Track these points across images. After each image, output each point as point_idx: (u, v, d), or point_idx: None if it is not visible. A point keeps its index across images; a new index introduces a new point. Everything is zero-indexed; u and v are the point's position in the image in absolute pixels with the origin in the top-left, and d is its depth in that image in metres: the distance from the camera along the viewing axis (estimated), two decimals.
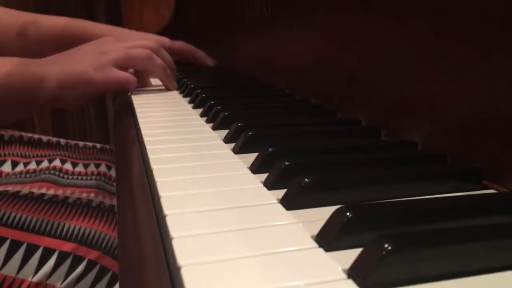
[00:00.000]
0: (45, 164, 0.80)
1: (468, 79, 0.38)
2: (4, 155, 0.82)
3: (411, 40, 0.46)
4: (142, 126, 0.55)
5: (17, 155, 0.82)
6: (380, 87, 0.51)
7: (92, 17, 2.30)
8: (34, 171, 0.79)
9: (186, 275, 0.23)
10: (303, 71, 0.71)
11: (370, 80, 0.53)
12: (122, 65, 0.70)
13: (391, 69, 0.49)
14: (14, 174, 0.78)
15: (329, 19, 0.62)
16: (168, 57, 0.80)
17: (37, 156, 0.84)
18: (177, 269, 0.24)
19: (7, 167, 0.79)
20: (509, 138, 0.35)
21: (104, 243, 0.66)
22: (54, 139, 0.91)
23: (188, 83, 0.80)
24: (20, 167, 0.79)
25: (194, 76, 0.89)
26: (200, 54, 1.07)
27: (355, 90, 0.56)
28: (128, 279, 0.29)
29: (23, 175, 0.78)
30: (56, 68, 0.67)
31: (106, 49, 0.71)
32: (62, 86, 0.66)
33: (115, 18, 2.10)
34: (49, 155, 0.84)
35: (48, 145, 0.88)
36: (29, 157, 0.83)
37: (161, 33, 1.67)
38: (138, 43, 0.76)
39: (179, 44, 1.02)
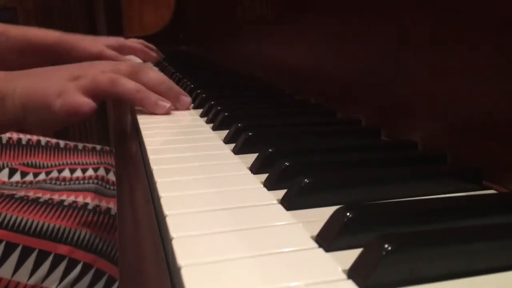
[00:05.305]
0: (42, 176, 0.79)
1: (468, 79, 0.38)
2: (3, 165, 0.81)
3: (411, 40, 0.46)
4: (142, 126, 0.55)
5: (15, 165, 0.81)
6: (380, 87, 0.51)
7: (91, 17, 2.30)
8: (31, 182, 0.78)
9: (186, 275, 0.23)
10: (303, 71, 0.71)
11: (370, 80, 0.53)
12: (88, 93, 0.58)
13: (391, 69, 0.49)
14: (10, 183, 0.77)
15: (329, 19, 0.62)
16: (155, 77, 0.63)
17: (35, 166, 0.83)
18: (177, 270, 0.24)
19: (3, 176, 0.78)
20: (509, 138, 0.35)
21: (100, 246, 0.66)
22: (53, 141, 0.90)
23: (188, 83, 0.80)
24: (17, 177, 0.78)
25: (194, 76, 0.89)
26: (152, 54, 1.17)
27: (355, 90, 0.56)
28: (128, 279, 0.29)
29: (19, 185, 0.77)
30: (22, 85, 0.58)
31: (81, 74, 0.60)
32: (24, 106, 0.57)
33: (115, 18, 2.10)
34: (47, 166, 0.83)
35: (47, 149, 0.87)
36: (27, 165, 0.82)
37: (161, 33, 1.68)
38: (114, 67, 0.63)
39: (132, 42, 1.10)
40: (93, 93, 0.58)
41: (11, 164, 0.81)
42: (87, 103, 0.56)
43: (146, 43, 1.19)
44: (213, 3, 1.30)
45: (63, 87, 0.57)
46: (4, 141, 0.85)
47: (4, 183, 0.77)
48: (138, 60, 1.13)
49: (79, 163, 0.84)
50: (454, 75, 0.40)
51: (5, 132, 0.64)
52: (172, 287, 0.26)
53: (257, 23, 0.89)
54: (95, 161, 0.86)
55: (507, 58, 0.35)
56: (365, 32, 0.54)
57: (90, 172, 0.80)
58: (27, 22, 2.17)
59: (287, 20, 0.76)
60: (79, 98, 0.56)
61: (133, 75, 0.62)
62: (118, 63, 0.65)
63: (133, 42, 1.15)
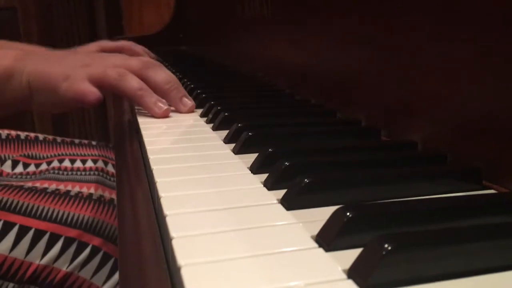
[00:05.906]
0: (44, 166, 0.81)
1: (468, 79, 0.38)
2: (5, 157, 0.82)
3: (411, 40, 0.46)
4: (142, 126, 0.55)
5: (16, 156, 0.83)
6: (380, 87, 0.51)
7: (91, 17, 2.30)
8: (34, 173, 0.80)
9: (186, 275, 0.23)
10: (303, 71, 0.71)
11: (370, 80, 0.53)
12: (95, 83, 0.59)
13: (391, 69, 0.49)
14: (15, 174, 0.79)
15: (328, 19, 0.62)
16: (163, 76, 0.63)
17: (36, 157, 0.84)
18: (177, 269, 0.24)
19: (7, 168, 0.80)
20: (509, 138, 0.35)
21: (107, 231, 0.69)
22: (50, 137, 0.92)
23: (188, 83, 0.80)
24: (19, 168, 0.80)
25: (194, 76, 0.89)
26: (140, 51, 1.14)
27: (355, 90, 0.56)
28: (129, 279, 0.29)
29: (23, 176, 0.78)
30: (32, 65, 0.60)
31: (93, 63, 0.61)
32: (31, 86, 0.60)
33: (115, 18, 2.10)
34: (47, 156, 0.85)
35: (45, 143, 0.89)
36: (28, 157, 0.84)
37: (161, 33, 1.68)
38: (125, 62, 0.63)
39: (115, 43, 1.06)
40: (100, 84, 0.59)
41: (13, 156, 0.83)
42: (93, 92, 0.58)
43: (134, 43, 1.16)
44: (213, 2, 1.30)
45: (71, 71, 0.59)
46: (3, 137, 0.87)
47: (8, 174, 0.79)
48: None
49: (78, 154, 0.86)
50: (454, 75, 0.40)
51: (12, 112, 0.67)
52: (172, 287, 0.26)
53: (257, 22, 0.89)
54: (93, 153, 0.88)
55: (506, 58, 0.35)
56: (365, 32, 0.54)
57: (89, 163, 0.82)
58: (27, 22, 2.17)
59: (287, 19, 0.76)
60: (85, 85, 0.58)
61: (142, 71, 0.62)
62: (131, 58, 0.66)
63: (117, 43, 1.10)
